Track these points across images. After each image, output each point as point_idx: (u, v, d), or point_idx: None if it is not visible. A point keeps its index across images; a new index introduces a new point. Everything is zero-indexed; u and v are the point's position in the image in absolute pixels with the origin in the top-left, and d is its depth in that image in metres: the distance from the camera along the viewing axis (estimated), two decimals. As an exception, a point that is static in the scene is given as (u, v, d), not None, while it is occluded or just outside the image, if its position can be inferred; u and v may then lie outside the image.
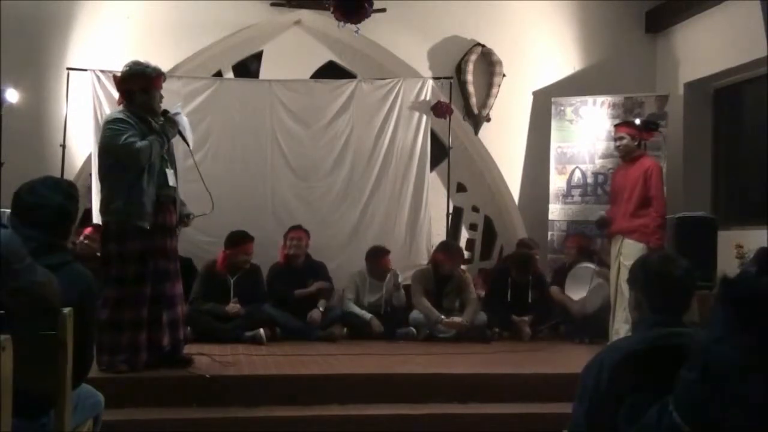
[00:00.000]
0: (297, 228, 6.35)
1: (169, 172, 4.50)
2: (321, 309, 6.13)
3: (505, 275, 6.65)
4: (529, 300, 6.57)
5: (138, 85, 4.50)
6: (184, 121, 4.60)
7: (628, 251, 5.27)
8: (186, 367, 4.48)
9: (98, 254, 5.96)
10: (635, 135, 5.62)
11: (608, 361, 2.18)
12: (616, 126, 5.98)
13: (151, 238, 4.36)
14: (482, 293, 6.75)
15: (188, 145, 4.75)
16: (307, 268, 6.32)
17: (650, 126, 5.87)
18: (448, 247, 6.53)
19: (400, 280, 6.56)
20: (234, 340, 5.62)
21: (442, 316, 6.16)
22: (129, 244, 4.34)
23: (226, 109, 6.75)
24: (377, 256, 6.48)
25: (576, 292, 6.34)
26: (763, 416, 1.22)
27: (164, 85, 4.65)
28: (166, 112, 4.55)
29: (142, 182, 4.34)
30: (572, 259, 6.59)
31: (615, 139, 5.78)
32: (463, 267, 6.72)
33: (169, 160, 4.57)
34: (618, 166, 6.02)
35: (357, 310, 6.34)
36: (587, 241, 6.76)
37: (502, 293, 6.59)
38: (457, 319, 6.16)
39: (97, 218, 6.38)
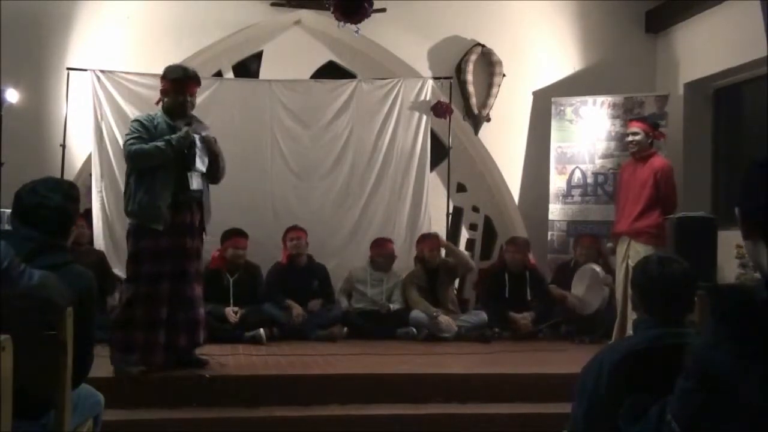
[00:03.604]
0: (295, 228, 6.37)
1: (194, 175, 4.42)
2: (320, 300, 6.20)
3: (502, 273, 6.66)
4: (528, 297, 6.58)
5: (166, 86, 4.55)
6: (197, 139, 4.44)
7: (635, 255, 5.16)
8: (201, 368, 4.49)
9: (84, 240, 6.04)
10: (649, 132, 5.59)
11: (608, 361, 2.19)
12: (629, 121, 5.94)
13: (168, 237, 4.34)
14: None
15: (192, 165, 4.41)
16: (308, 269, 6.34)
17: (654, 125, 5.87)
18: (424, 235, 6.69)
19: (400, 278, 6.61)
20: (234, 340, 5.62)
21: (439, 311, 6.24)
22: (143, 243, 4.35)
23: (226, 109, 6.74)
24: (380, 243, 6.57)
25: (580, 291, 6.35)
26: (762, 424, 1.22)
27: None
28: (190, 123, 4.49)
29: (156, 185, 4.33)
30: (585, 259, 6.54)
31: (628, 134, 5.69)
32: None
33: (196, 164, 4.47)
34: (626, 163, 5.97)
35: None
36: (599, 243, 6.74)
37: (500, 291, 6.60)
38: (450, 319, 6.22)
39: (97, 218, 6.41)
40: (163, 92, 4.57)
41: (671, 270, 2.32)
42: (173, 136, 4.35)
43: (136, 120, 4.56)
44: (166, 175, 4.35)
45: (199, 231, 4.54)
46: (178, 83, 4.50)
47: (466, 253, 7.19)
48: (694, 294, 2.33)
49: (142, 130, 4.38)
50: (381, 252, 6.54)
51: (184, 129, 4.39)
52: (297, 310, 6.05)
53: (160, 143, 4.32)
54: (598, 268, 6.31)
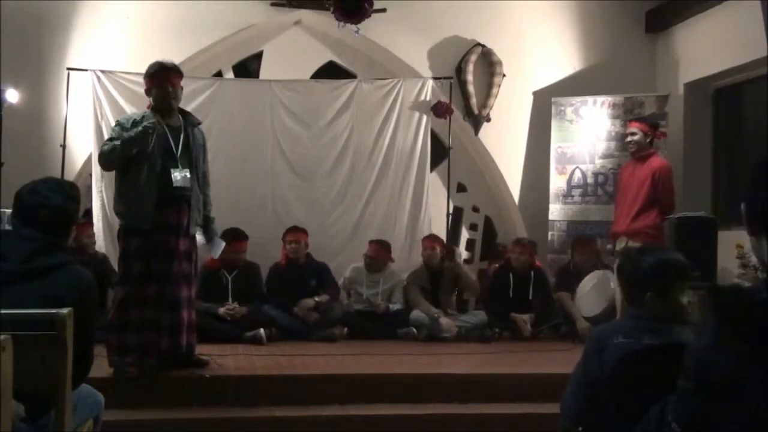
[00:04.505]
0: (294, 229, 6.34)
1: (178, 172, 4.35)
2: (317, 299, 6.16)
3: (506, 274, 6.65)
4: (530, 297, 6.57)
5: (148, 83, 4.54)
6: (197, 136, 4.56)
7: None
8: (201, 368, 4.47)
9: (91, 250, 6.03)
10: (648, 131, 5.59)
11: (608, 360, 2.19)
12: (628, 121, 5.97)
13: (155, 237, 4.30)
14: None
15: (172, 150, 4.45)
16: (308, 269, 6.33)
17: (654, 124, 5.87)
18: (430, 236, 6.66)
19: (400, 278, 6.59)
20: (234, 340, 5.61)
21: (439, 311, 6.23)
22: (131, 243, 4.33)
23: (226, 109, 6.74)
24: (371, 245, 6.55)
25: (586, 288, 6.35)
26: (762, 425, 1.22)
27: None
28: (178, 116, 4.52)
29: (140, 183, 4.30)
30: (585, 263, 6.51)
31: (627, 135, 5.73)
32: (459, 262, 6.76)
33: (182, 160, 4.41)
34: (626, 163, 5.98)
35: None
36: (595, 244, 6.71)
37: (503, 291, 6.59)
38: (451, 322, 6.21)
39: (97, 218, 6.41)
40: (147, 91, 4.56)
41: (641, 260, 2.33)
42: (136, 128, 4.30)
43: (117, 121, 4.60)
44: (151, 174, 4.31)
45: (187, 231, 4.44)
46: (157, 77, 4.48)
47: (474, 278, 6.99)
48: (669, 286, 2.31)
49: (117, 129, 4.37)
50: (368, 252, 6.53)
51: (150, 120, 4.30)
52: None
53: (121, 139, 4.27)
54: (610, 275, 6.27)
